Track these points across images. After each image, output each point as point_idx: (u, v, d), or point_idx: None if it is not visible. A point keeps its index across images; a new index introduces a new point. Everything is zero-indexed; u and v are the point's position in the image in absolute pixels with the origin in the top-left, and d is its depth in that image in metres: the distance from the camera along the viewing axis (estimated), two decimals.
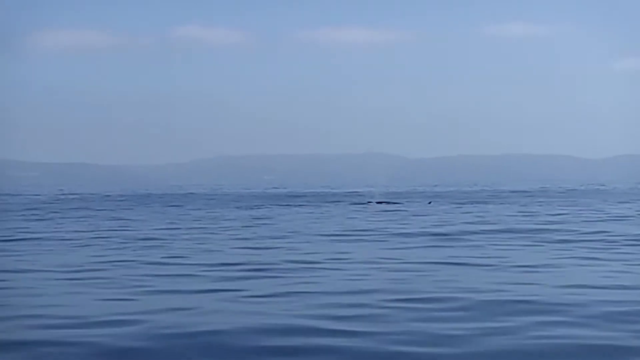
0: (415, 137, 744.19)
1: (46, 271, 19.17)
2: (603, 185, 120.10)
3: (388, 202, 58.42)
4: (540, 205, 55.09)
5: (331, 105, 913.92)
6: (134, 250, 24.23)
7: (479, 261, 20.60)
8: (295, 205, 59.80)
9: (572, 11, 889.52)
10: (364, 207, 53.59)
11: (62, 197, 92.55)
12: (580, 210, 47.49)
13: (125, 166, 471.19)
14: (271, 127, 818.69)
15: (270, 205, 61.40)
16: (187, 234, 31.44)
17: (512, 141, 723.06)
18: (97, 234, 31.48)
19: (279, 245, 25.50)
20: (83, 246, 26.16)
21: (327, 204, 61.62)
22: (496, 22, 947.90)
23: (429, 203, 59.67)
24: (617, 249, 23.65)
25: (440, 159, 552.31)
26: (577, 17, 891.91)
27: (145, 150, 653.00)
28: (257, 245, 25.60)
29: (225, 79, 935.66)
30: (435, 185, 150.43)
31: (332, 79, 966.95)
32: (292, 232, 32.18)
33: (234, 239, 28.32)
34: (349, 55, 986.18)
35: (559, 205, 54.32)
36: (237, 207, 57.20)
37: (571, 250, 23.33)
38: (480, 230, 31.89)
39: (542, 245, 24.93)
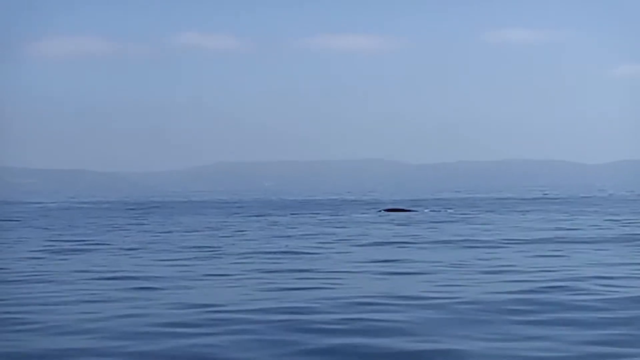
0: (414, 143, 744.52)
1: None
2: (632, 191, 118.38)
3: (402, 210, 57.65)
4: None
5: (331, 112, 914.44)
6: None
7: None
8: (346, 213, 58.74)
9: (571, 18, 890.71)
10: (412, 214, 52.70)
11: (85, 205, 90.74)
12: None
13: (123, 173, 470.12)
14: (270, 133, 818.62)
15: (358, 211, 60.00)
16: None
17: (511, 147, 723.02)
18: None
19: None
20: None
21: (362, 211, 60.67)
22: (494, 28, 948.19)
23: (428, 211, 59.33)
24: None
25: (440, 165, 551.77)
26: (575, 23, 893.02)
27: (143, 157, 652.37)
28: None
29: (224, 86, 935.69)
30: (440, 192, 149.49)
31: (331, 86, 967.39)
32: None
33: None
34: (348, 62, 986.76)
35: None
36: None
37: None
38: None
39: None
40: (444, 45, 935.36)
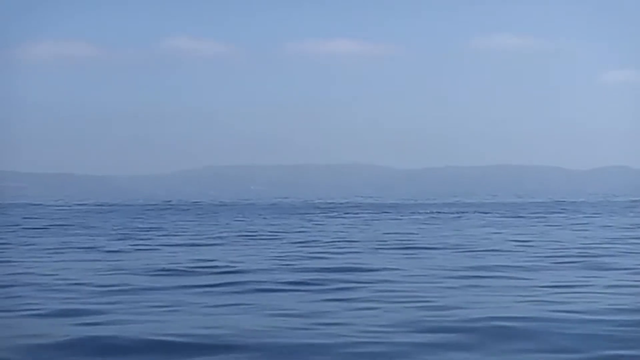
0: (401, 148, 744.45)
1: None
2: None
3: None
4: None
5: (318, 116, 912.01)
6: None
7: None
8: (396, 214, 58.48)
9: (559, 24, 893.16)
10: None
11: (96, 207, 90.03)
12: None
13: (112, 177, 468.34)
14: (257, 137, 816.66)
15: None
16: None
17: (499, 152, 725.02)
18: None
19: None
20: None
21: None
22: (482, 34, 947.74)
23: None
24: None
25: (427, 170, 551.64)
26: (564, 29, 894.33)
27: (131, 160, 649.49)
28: None
29: (212, 90, 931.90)
30: (439, 197, 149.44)
31: (319, 91, 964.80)
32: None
33: None
34: (337, 67, 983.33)
35: None
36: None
37: None
38: None
39: None
40: (432, 50, 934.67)
